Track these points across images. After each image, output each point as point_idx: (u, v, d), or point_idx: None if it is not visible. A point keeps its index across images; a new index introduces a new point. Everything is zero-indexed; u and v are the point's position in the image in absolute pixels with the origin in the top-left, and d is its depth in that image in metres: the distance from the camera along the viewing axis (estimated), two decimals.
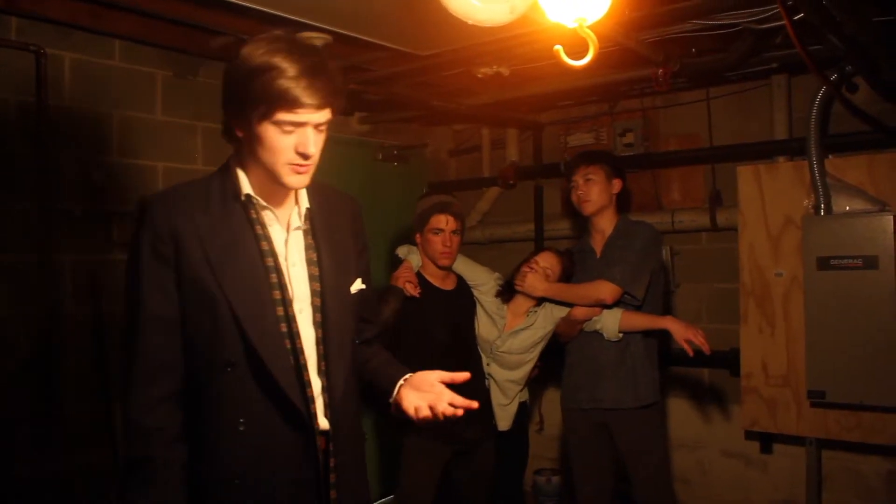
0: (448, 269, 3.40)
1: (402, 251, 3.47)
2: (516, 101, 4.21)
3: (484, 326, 3.45)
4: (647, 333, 3.38)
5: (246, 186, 1.78)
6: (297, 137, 1.68)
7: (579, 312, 3.36)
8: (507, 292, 3.46)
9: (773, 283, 3.74)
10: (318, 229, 1.86)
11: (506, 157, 4.88)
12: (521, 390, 3.52)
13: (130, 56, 3.65)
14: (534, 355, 3.46)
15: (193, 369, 1.76)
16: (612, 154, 4.11)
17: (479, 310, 3.48)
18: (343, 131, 4.59)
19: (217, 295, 1.71)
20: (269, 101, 1.63)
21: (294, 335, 1.77)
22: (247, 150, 1.75)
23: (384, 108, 4.43)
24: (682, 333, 3.19)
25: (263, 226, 1.79)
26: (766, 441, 4.08)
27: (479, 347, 3.47)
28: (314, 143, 1.70)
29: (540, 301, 3.44)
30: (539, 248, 4.02)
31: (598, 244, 3.51)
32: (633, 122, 4.44)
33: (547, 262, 3.44)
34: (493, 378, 3.45)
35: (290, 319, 1.77)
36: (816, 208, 3.55)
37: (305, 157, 1.69)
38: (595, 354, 3.40)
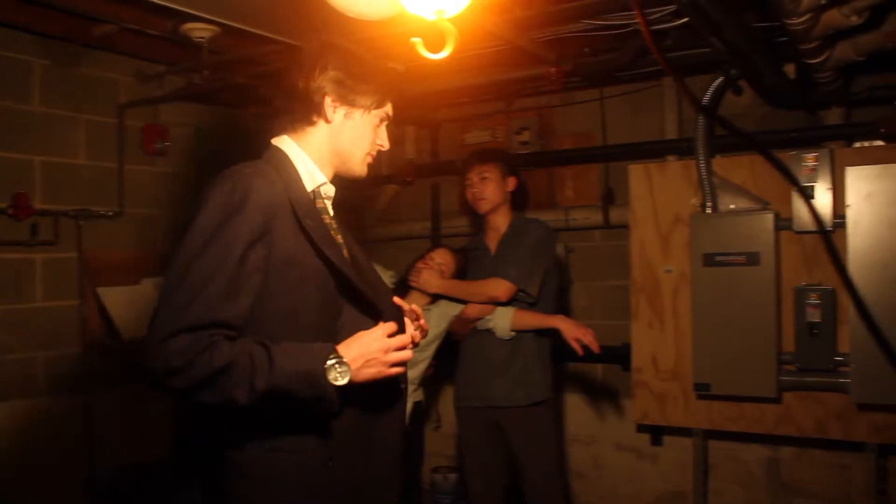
0: None
1: None
2: (413, 98, 4.17)
3: None
4: (540, 332, 3.40)
5: (320, 174, 1.80)
6: (382, 131, 1.86)
7: (472, 310, 3.36)
8: (400, 290, 3.42)
9: (663, 280, 3.84)
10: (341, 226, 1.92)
11: (404, 154, 4.85)
12: (415, 390, 3.49)
13: (3, 43, 3.45)
14: (428, 354, 3.43)
15: None
16: (507, 152, 4.13)
17: None
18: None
19: (320, 269, 1.69)
20: (387, 92, 1.83)
21: (377, 319, 1.77)
22: (325, 136, 1.79)
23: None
24: (572, 332, 3.23)
25: (329, 214, 1.83)
26: (657, 433, 4.19)
27: None
28: None
29: (434, 299, 3.42)
30: (435, 246, 4.00)
31: (492, 242, 3.52)
32: (528, 121, 4.49)
33: (442, 258, 3.42)
34: None
35: (371, 304, 1.79)
36: (703, 206, 3.66)
37: (382, 149, 1.87)
38: (487, 353, 3.40)
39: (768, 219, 3.51)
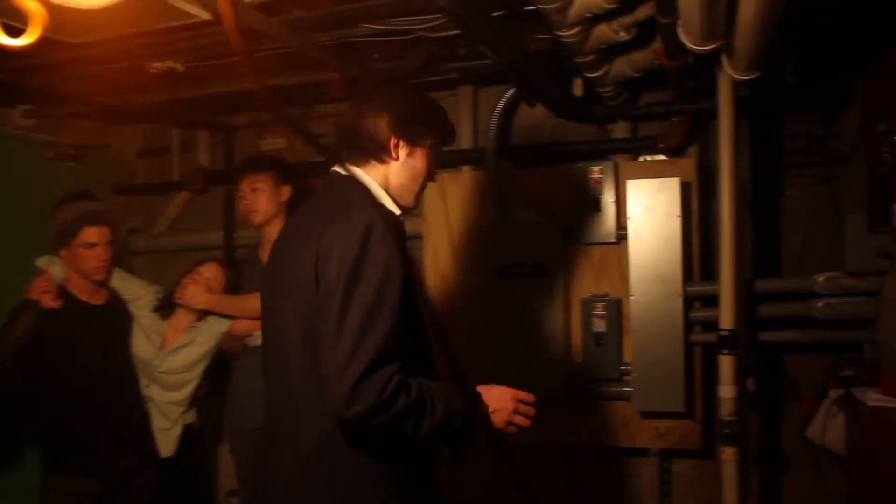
0: (101, 283, 3.07)
1: (42, 262, 3.07)
2: (200, 100, 3.91)
3: (140, 345, 3.15)
4: None
5: (395, 205, 1.96)
6: (434, 164, 2.05)
7: (240, 326, 3.17)
8: (166, 307, 3.20)
9: (454, 291, 3.79)
10: None
11: (196, 160, 4.57)
12: (184, 412, 3.24)
13: None
14: (196, 374, 3.21)
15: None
16: (281, 160, 3.89)
17: (134, 326, 3.17)
18: (3, 125, 4.04)
19: (423, 297, 1.90)
20: (445, 132, 2.11)
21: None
22: (389, 171, 1.97)
23: (50, 102, 3.95)
24: None
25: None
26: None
27: (135, 368, 3.16)
28: None
29: (202, 315, 3.20)
30: (203, 260, 3.66)
31: (265, 254, 3.33)
32: (326, 128, 4.33)
33: (210, 272, 3.23)
34: (153, 400, 3.16)
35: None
36: (495, 218, 3.64)
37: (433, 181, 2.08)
38: (259, 372, 3.21)
39: (556, 230, 3.53)
